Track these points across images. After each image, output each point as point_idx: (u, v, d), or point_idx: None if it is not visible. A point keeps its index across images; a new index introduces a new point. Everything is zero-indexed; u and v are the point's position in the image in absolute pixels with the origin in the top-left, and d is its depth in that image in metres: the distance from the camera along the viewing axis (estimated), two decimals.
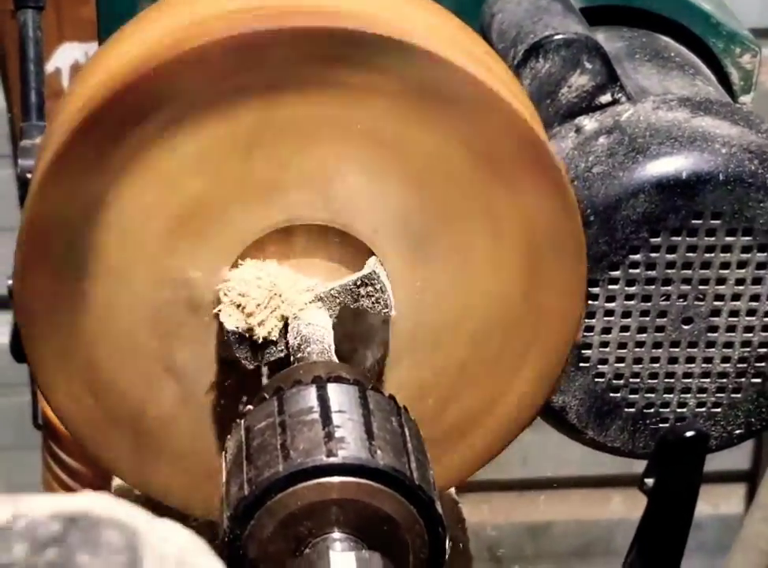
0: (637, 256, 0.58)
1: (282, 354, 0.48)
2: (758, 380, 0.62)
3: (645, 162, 0.57)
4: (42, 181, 0.48)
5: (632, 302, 0.59)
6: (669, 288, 0.59)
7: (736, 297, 0.60)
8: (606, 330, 0.60)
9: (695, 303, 0.60)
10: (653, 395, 0.62)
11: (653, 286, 0.59)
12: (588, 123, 0.60)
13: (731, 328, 0.61)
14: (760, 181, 0.58)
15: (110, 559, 0.27)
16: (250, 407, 0.43)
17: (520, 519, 1.65)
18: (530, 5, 0.64)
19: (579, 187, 0.58)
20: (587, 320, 0.59)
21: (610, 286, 0.59)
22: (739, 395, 0.62)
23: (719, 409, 0.62)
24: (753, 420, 0.63)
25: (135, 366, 0.50)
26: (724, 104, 0.61)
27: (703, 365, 0.61)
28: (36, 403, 0.95)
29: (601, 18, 0.69)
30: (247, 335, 0.48)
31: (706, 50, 0.70)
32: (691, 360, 0.61)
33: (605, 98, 0.61)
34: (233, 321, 0.47)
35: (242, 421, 0.42)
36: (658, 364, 0.61)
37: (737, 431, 0.63)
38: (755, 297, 0.60)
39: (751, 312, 0.60)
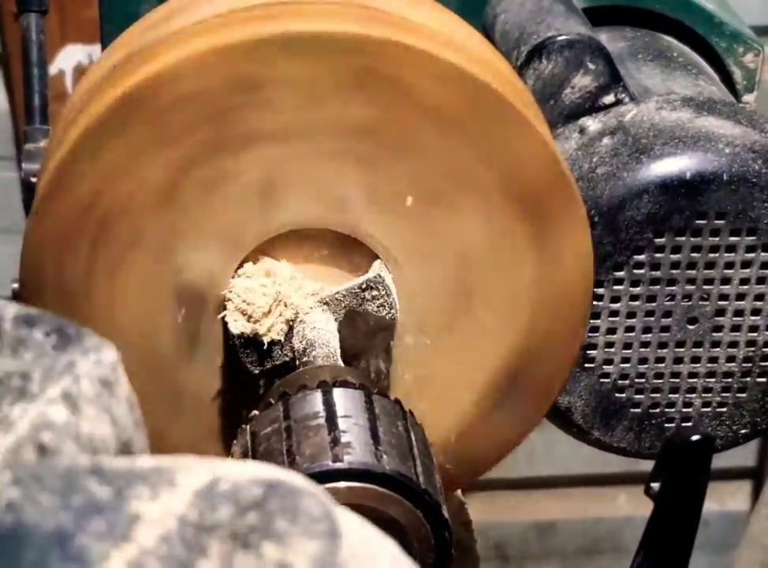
0: (641, 257, 0.58)
1: (288, 358, 0.48)
2: (764, 379, 0.62)
3: (649, 162, 0.57)
4: (45, 195, 0.47)
5: (637, 302, 0.59)
6: (674, 288, 0.59)
7: (741, 296, 0.60)
8: (611, 331, 0.60)
9: (700, 303, 0.60)
10: (658, 395, 0.62)
11: (657, 287, 0.59)
12: (592, 124, 0.60)
13: (736, 328, 0.61)
14: (764, 180, 0.57)
15: (310, 528, 0.26)
16: (256, 412, 0.43)
17: (526, 517, 1.65)
18: (533, 5, 0.64)
19: (584, 188, 0.58)
20: (592, 321, 0.59)
21: (615, 287, 0.59)
22: (744, 395, 0.62)
23: (724, 409, 0.62)
24: (758, 419, 0.63)
25: (140, 376, 0.50)
26: (727, 104, 0.61)
27: (708, 365, 0.61)
28: None
29: (604, 18, 0.69)
30: (252, 339, 0.48)
31: (709, 50, 0.70)
32: (696, 360, 0.61)
33: (609, 98, 0.61)
34: (238, 326, 0.48)
35: (248, 426, 0.42)
36: (663, 364, 0.61)
37: (743, 431, 0.63)
38: (760, 297, 0.60)
39: (756, 312, 0.60)
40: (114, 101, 0.46)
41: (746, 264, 0.59)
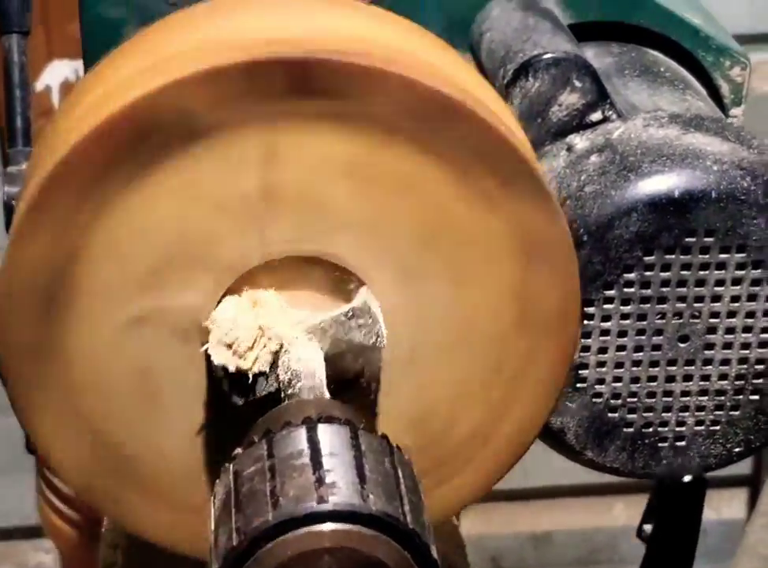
0: (631, 275, 0.58)
1: (273, 389, 0.48)
2: (757, 397, 0.61)
3: (637, 180, 0.57)
4: (18, 230, 0.47)
5: (628, 321, 0.59)
6: (665, 306, 0.59)
7: (732, 313, 0.59)
8: (603, 350, 0.59)
9: (691, 321, 0.59)
10: (651, 414, 0.61)
11: (648, 305, 0.58)
12: (579, 141, 0.60)
13: (728, 345, 0.60)
14: (752, 197, 0.57)
15: None
16: (239, 450, 0.42)
17: (522, 529, 1.65)
18: (518, 23, 0.63)
19: (572, 206, 0.57)
20: (583, 340, 0.59)
21: (605, 306, 0.58)
22: (737, 412, 0.62)
23: (718, 427, 0.62)
24: (752, 437, 0.62)
25: (122, 409, 0.50)
26: (715, 120, 0.60)
27: (701, 383, 0.61)
28: None
29: (590, 34, 0.69)
30: (236, 371, 0.47)
31: (696, 64, 0.69)
32: (688, 378, 0.61)
33: (596, 116, 0.60)
34: (221, 358, 0.47)
35: (230, 465, 0.41)
36: (655, 383, 0.60)
37: (737, 449, 0.62)
38: (751, 314, 0.59)
39: (748, 329, 0.60)
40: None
41: (736, 281, 0.58)
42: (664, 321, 0.59)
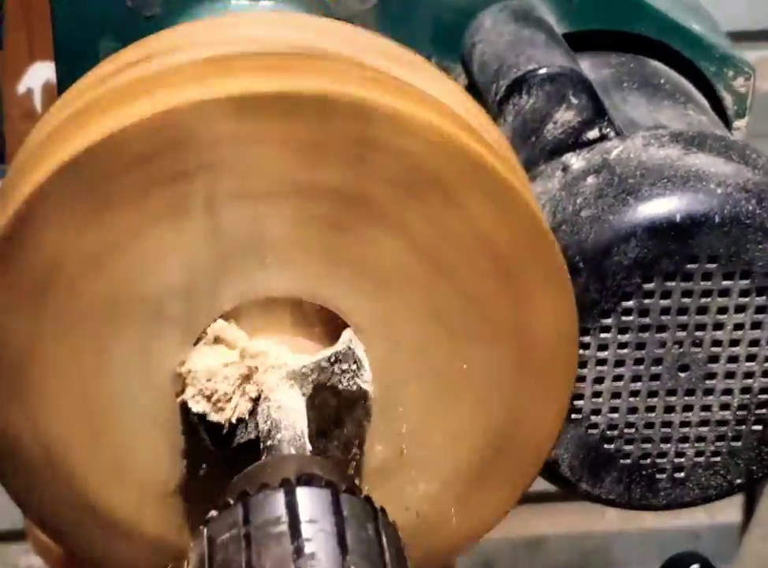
0: (630, 303, 0.55)
1: (252, 436, 0.45)
2: (759, 427, 0.59)
3: (636, 204, 0.54)
4: None
5: (626, 350, 0.56)
6: (664, 335, 0.56)
7: (735, 342, 0.57)
8: (599, 380, 0.57)
9: (692, 349, 0.57)
10: (649, 445, 0.59)
11: (647, 333, 0.56)
12: (576, 161, 0.57)
13: (730, 374, 0.57)
14: (758, 221, 0.54)
15: None
16: (213, 513, 0.39)
17: (515, 533, 1.63)
18: (512, 35, 0.60)
19: (568, 231, 0.55)
20: (578, 370, 0.56)
21: (602, 335, 0.56)
22: (739, 443, 0.59)
23: (718, 458, 0.59)
24: (754, 467, 0.60)
25: (95, 465, 0.47)
26: (718, 138, 0.57)
27: (701, 413, 0.58)
28: None
29: (587, 43, 0.66)
30: (214, 420, 0.44)
31: (698, 74, 0.67)
32: (688, 408, 0.58)
33: (593, 133, 0.57)
34: (199, 406, 0.44)
35: (204, 529, 0.39)
36: (653, 414, 0.58)
37: (738, 480, 0.60)
38: (755, 342, 0.57)
39: (751, 357, 0.57)
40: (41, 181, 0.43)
41: (740, 309, 0.56)
42: (663, 350, 0.56)
